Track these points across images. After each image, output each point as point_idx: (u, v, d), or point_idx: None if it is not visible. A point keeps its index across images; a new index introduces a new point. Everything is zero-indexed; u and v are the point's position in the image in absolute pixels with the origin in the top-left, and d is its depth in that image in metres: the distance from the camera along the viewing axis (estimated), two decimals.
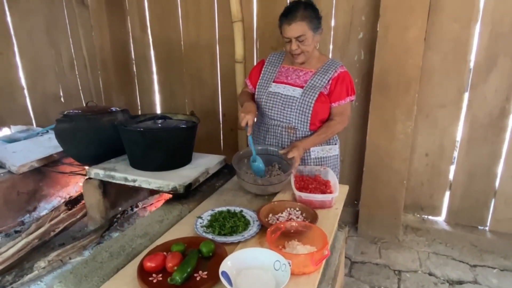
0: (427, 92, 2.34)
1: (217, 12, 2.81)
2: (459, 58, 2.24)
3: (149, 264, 1.01)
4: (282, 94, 1.69)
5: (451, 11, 2.17)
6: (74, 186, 2.08)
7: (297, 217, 1.31)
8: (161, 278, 0.99)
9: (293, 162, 1.56)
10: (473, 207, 2.48)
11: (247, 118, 1.55)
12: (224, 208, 1.38)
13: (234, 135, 3.00)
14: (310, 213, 1.31)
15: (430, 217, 2.64)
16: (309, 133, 1.70)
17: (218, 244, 1.12)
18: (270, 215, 1.33)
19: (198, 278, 0.99)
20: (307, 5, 1.56)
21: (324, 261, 1.07)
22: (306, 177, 1.65)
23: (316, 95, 1.62)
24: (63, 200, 1.96)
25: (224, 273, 0.95)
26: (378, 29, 2.23)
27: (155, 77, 3.26)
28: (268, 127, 1.76)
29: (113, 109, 1.99)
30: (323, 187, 1.56)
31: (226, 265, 0.97)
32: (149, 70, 3.24)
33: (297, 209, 1.36)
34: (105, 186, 1.69)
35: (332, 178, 1.60)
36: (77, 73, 3.13)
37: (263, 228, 1.24)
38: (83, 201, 1.95)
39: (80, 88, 3.19)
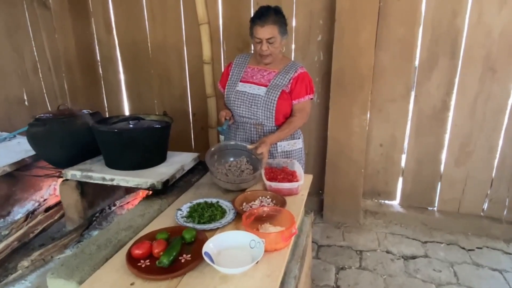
0: (379, 89, 2.59)
1: (183, 14, 2.90)
2: (406, 58, 2.50)
3: (137, 251, 1.12)
4: (248, 92, 1.84)
5: (397, 16, 2.42)
6: (47, 189, 2.09)
7: (268, 204, 1.46)
8: (149, 263, 1.10)
9: (262, 157, 1.71)
10: (422, 190, 2.78)
11: (224, 113, 1.87)
12: (201, 200, 1.50)
13: (204, 133, 3.11)
14: (280, 199, 1.47)
15: (386, 201, 2.91)
16: (275, 128, 1.86)
17: (199, 231, 1.25)
18: (244, 204, 1.47)
19: (183, 261, 1.11)
20: (277, 11, 1.73)
21: (293, 238, 1.23)
22: (274, 169, 1.81)
23: (279, 93, 1.78)
24: (37, 204, 1.98)
25: (206, 253, 1.08)
26: (334, 32, 2.44)
27: (122, 78, 3.28)
28: (237, 124, 1.90)
29: (85, 111, 2.03)
30: (290, 177, 1.72)
31: (208, 246, 1.10)
32: (116, 71, 3.26)
33: (268, 197, 1.51)
34: (83, 187, 1.75)
35: (298, 168, 1.77)
36: (41, 76, 3.08)
37: (238, 215, 1.38)
38: (56, 201, 1.99)
39: (44, 91, 3.14)
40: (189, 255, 1.14)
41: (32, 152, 1.99)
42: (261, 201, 1.48)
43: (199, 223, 1.33)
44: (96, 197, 1.83)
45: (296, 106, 1.84)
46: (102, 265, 1.11)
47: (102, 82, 3.33)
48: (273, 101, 1.78)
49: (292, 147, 1.94)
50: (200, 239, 1.21)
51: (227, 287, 1.01)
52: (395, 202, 2.90)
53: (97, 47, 3.22)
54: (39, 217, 1.75)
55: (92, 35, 3.17)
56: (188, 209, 1.44)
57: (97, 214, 1.79)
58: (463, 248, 2.49)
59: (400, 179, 2.82)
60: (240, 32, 2.79)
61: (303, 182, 1.61)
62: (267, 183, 1.56)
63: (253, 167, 1.72)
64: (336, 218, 2.82)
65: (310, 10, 2.59)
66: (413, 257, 2.41)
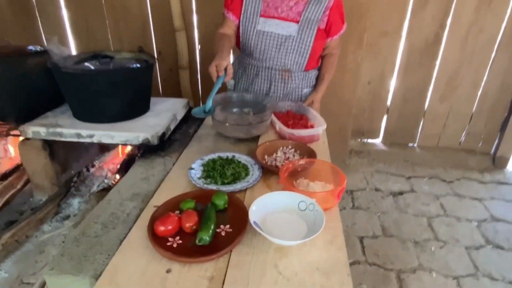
0: (373, 21, 2.38)
1: None
2: None
3: (162, 228, 0.88)
4: (275, 33, 1.48)
5: None
6: None
7: (293, 155, 1.27)
8: (181, 241, 0.87)
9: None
10: (405, 127, 2.78)
11: (222, 64, 1.26)
12: (214, 156, 1.25)
13: (174, 76, 2.71)
14: (305, 149, 1.28)
15: (369, 140, 2.89)
16: (303, 74, 1.60)
17: (230, 194, 1.02)
18: (266, 157, 1.26)
19: (223, 233, 0.90)
20: None
21: None
22: (278, 114, 1.59)
23: (315, 32, 1.48)
24: None
25: (255, 222, 0.88)
26: None
27: (64, 13, 2.63)
28: (258, 70, 1.59)
29: (32, 48, 1.56)
30: (302, 121, 1.52)
31: (253, 212, 0.90)
32: (55, 5, 2.60)
33: (290, 147, 1.31)
34: (51, 147, 1.38)
35: (308, 111, 1.58)
36: None
37: (264, 171, 1.18)
38: (12, 166, 1.60)
39: None
40: (228, 225, 0.93)
41: None
42: (284, 153, 1.28)
43: (223, 183, 1.10)
44: (68, 158, 1.48)
45: (334, 42, 1.60)
46: (117, 249, 0.86)
47: (38, 16, 2.66)
48: (308, 43, 1.48)
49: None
50: (233, 203, 1.00)
51: (289, 262, 0.84)
52: (378, 141, 2.89)
53: None
54: None
55: None
56: (202, 168, 1.19)
57: (75, 179, 1.46)
58: (444, 181, 2.60)
59: (385, 117, 2.78)
60: None
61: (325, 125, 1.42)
62: (288, 131, 1.35)
63: (261, 120, 1.46)
64: None
65: None
66: (401, 193, 2.47)
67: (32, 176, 1.40)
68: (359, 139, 2.89)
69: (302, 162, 1.13)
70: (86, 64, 1.46)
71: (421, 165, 2.76)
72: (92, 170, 1.55)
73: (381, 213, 2.27)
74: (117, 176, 1.50)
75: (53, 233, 1.26)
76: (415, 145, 2.84)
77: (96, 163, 1.58)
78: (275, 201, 0.96)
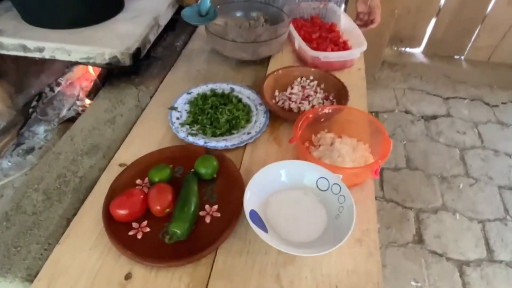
0: None
1: None
2: None
3: (121, 212, 0.62)
4: None
5: None
6: None
7: (315, 92, 0.91)
8: (148, 229, 0.62)
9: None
10: (455, 35, 2.26)
11: None
12: (205, 87, 0.91)
13: None
14: (333, 83, 0.92)
15: (408, 49, 2.40)
16: None
17: (221, 156, 0.73)
18: (277, 92, 0.91)
19: (208, 219, 0.64)
20: None
21: None
22: (301, 22, 1.16)
23: None
24: None
25: (253, 213, 0.60)
26: None
27: None
28: None
29: None
30: (333, 34, 1.11)
31: (248, 198, 0.61)
32: None
33: (311, 78, 0.94)
34: None
35: (340, 20, 1.15)
36: None
37: (272, 115, 0.85)
38: None
39: None
40: (215, 206, 0.66)
41: None
42: (303, 87, 0.93)
43: (214, 135, 0.80)
44: (23, 75, 1.15)
45: None
46: (62, 236, 0.62)
47: None
48: None
49: None
50: (226, 171, 0.71)
51: (297, 272, 0.59)
52: (418, 50, 2.40)
53: None
54: None
55: None
56: (187, 107, 0.86)
57: (35, 103, 1.16)
58: (487, 104, 2.22)
59: (433, 21, 2.23)
60: None
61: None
62: (312, 53, 0.96)
63: (275, 34, 1.03)
64: None
65: None
66: (434, 117, 2.13)
67: None
68: (396, 48, 2.40)
69: (326, 110, 0.78)
70: None
71: (464, 83, 2.33)
72: (57, 89, 1.23)
73: (408, 141, 1.99)
74: (87, 102, 1.19)
75: (15, 176, 1.03)
76: (463, 57, 2.35)
77: (62, 80, 1.25)
78: (283, 174, 0.67)
